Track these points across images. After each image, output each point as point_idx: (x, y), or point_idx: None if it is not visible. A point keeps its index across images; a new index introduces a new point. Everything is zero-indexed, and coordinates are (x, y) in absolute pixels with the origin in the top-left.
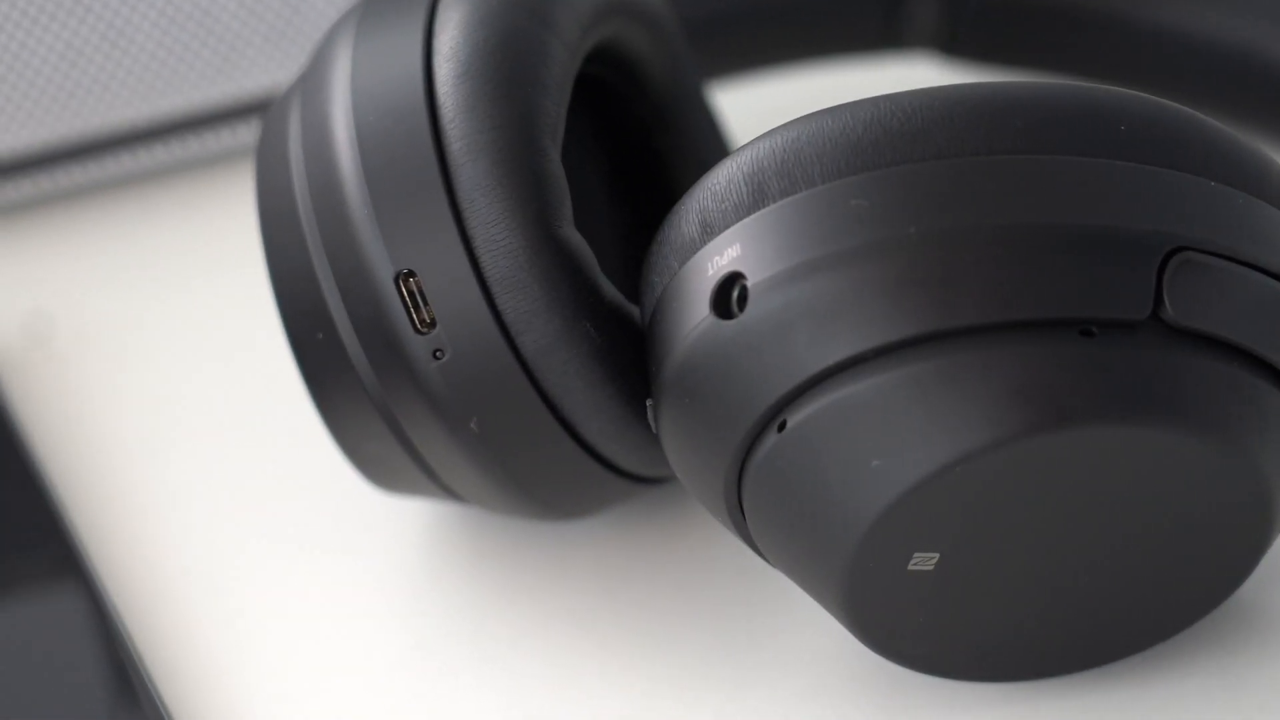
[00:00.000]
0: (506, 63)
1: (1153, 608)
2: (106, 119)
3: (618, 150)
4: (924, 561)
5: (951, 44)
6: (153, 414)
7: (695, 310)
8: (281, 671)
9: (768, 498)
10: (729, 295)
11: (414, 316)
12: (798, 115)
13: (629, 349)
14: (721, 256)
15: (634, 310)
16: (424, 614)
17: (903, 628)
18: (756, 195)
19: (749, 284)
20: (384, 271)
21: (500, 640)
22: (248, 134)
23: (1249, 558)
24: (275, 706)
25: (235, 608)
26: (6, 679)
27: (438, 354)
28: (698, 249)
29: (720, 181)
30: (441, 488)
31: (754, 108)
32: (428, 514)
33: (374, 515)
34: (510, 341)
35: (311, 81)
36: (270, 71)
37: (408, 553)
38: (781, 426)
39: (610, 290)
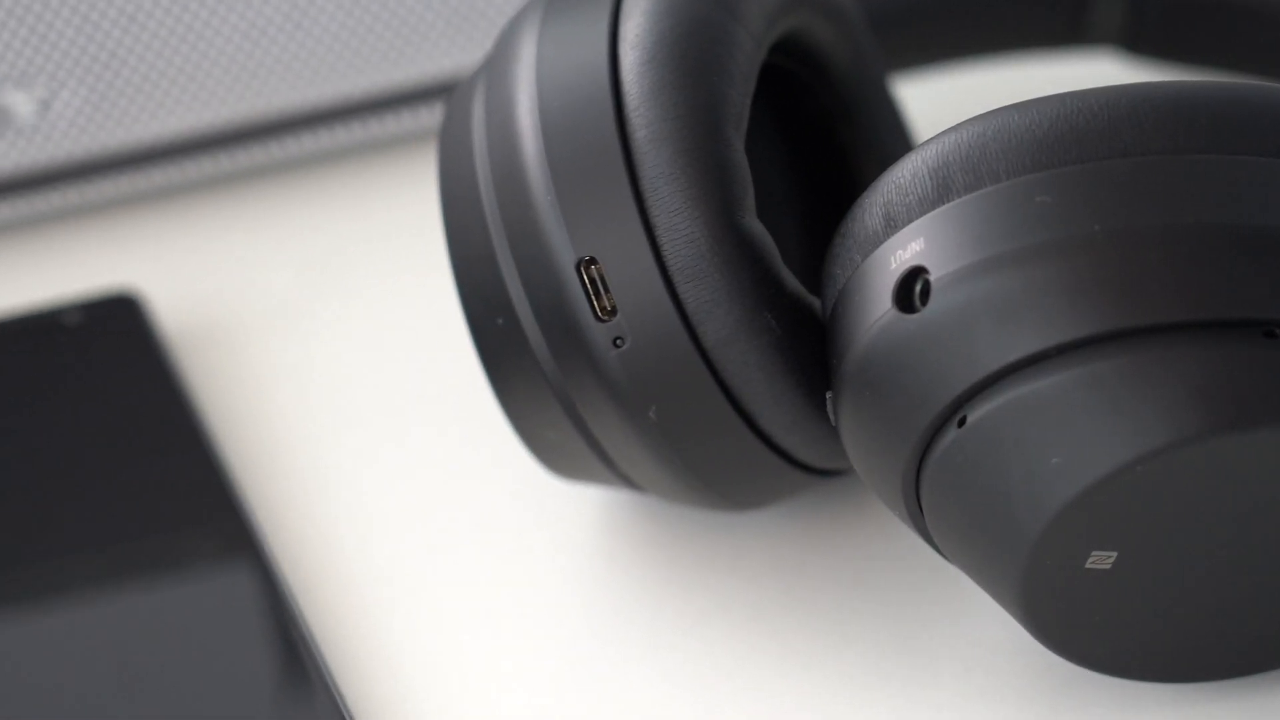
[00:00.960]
0: (692, 51)
1: None
2: (287, 100)
3: (800, 141)
4: (1101, 560)
5: (1135, 41)
6: (329, 396)
7: (877, 304)
8: (454, 656)
9: (946, 493)
10: (911, 289)
11: (595, 304)
12: (977, 110)
13: (809, 341)
14: (905, 250)
15: (814, 302)
16: (599, 602)
17: (1078, 626)
18: (941, 190)
19: (932, 278)
20: (566, 258)
21: (675, 630)
22: (427, 117)
23: None
24: (447, 690)
25: (409, 591)
26: (180, 656)
27: (618, 342)
28: (881, 242)
29: (905, 175)
30: (619, 476)
31: (932, 102)
32: (604, 502)
33: (550, 502)
34: (691, 331)
35: (496, 66)
36: (452, 55)
37: (583, 540)
38: (962, 422)
39: (791, 281)
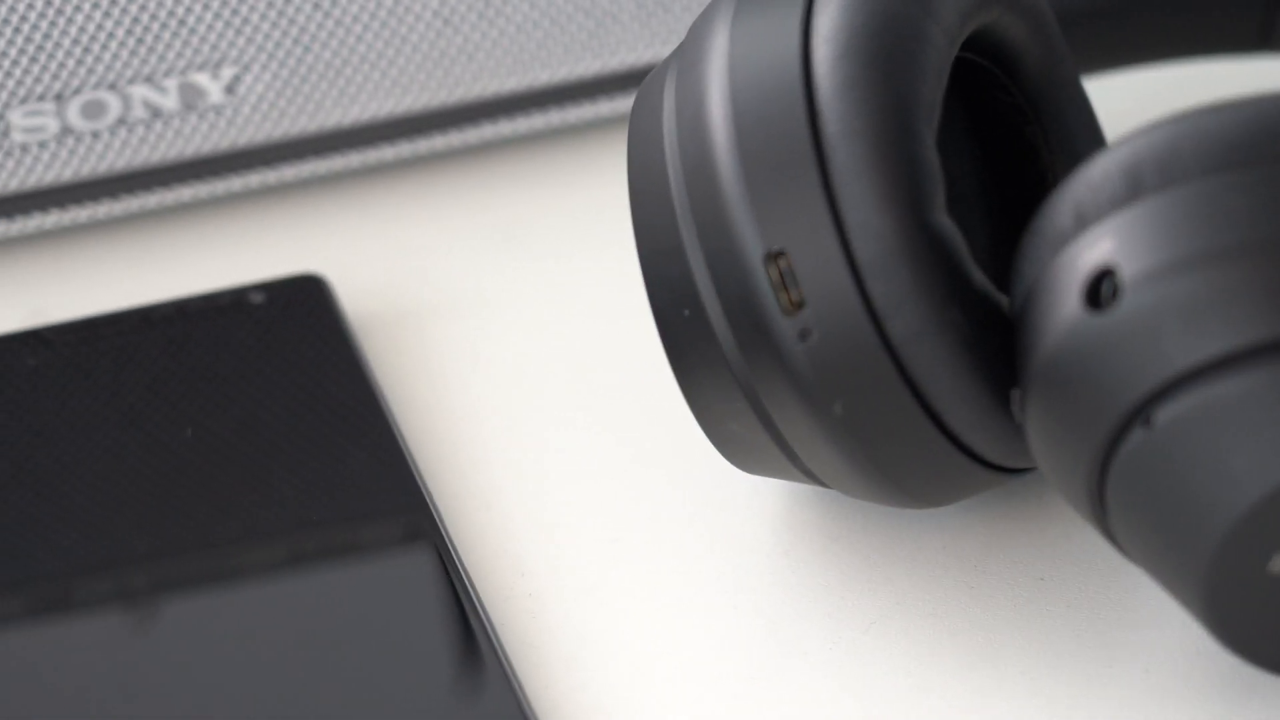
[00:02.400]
0: (886, 46)
1: None
2: (477, 88)
3: (989, 138)
4: None
5: None
6: (512, 384)
7: (1066, 302)
8: (632, 646)
9: (1131, 493)
10: (1101, 288)
11: (783, 297)
12: (1163, 110)
13: (996, 338)
14: (1094, 249)
15: (1002, 299)
16: (777, 596)
17: (1261, 629)
18: (1132, 189)
19: (1121, 277)
20: (754, 251)
21: (853, 625)
22: (615, 106)
23: None
24: (624, 681)
25: (587, 581)
26: (357, 638)
27: (805, 336)
28: (1070, 240)
29: (1096, 174)
30: (801, 470)
31: (1118, 101)
32: (786, 495)
33: (732, 494)
34: (878, 326)
35: (688, 57)
36: (642, 46)
37: (763, 534)
38: (1148, 422)
39: (980, 278)
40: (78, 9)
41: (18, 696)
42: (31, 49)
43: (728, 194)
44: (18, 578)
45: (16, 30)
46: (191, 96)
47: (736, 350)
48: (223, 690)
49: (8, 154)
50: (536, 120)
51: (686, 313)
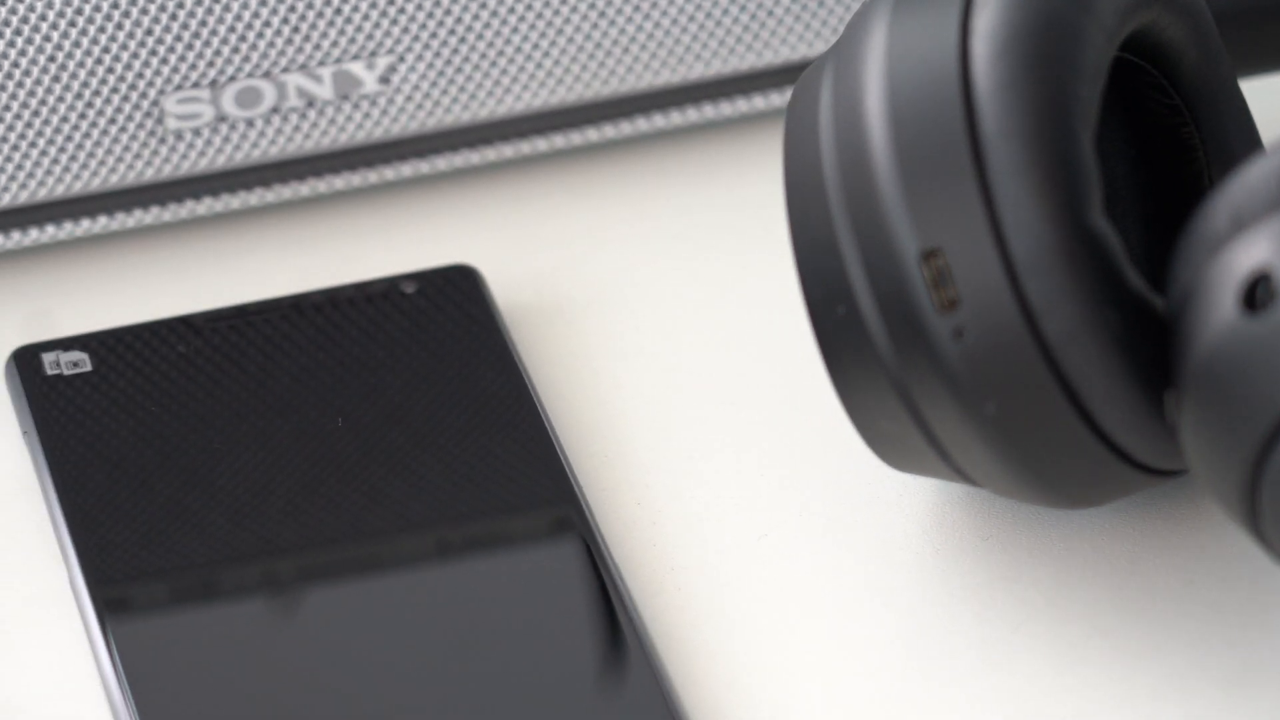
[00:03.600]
0: (1044, 46)
1: None
2: (630, 81)
3: (1145, 138)
4: None
5: None
6: (662, 378)
7: (1221, 305)
8: (780, 643)
9: None
10: (1257, 291)
11: (937, 295)
12: None
13: (1151, 340)
14: (1251, 252)
15: (1157, 301)
16: (927, 594)
17: None
18: None
19: (1278, 281)
20: (909, 248)
21: (1002, 625)
22: (766, 101)
23: None
24: (773, 678)
25: (736, 576)
26: (508, 633)
27: (959, 334)
28: (1227, 243)
29: (1253, 176)
30: (952, 469)
31: (1271, 102)
32: (936, 493)
33: (882, 492)
34: (1033, 326)
35: (845, 53)
36: (794, 41)
37: (913, 531)
38: None
39: (1135, 280)
40: None
41: (169, 685)
42: (187, 36)
43: (884, 191)
44: (166, 566)
45: (173, 17)
46: (346, 85)
47: (890, 348)
48: (371, 679)
49: (162, 141)
50: (691, 114)
51: (841, 310)
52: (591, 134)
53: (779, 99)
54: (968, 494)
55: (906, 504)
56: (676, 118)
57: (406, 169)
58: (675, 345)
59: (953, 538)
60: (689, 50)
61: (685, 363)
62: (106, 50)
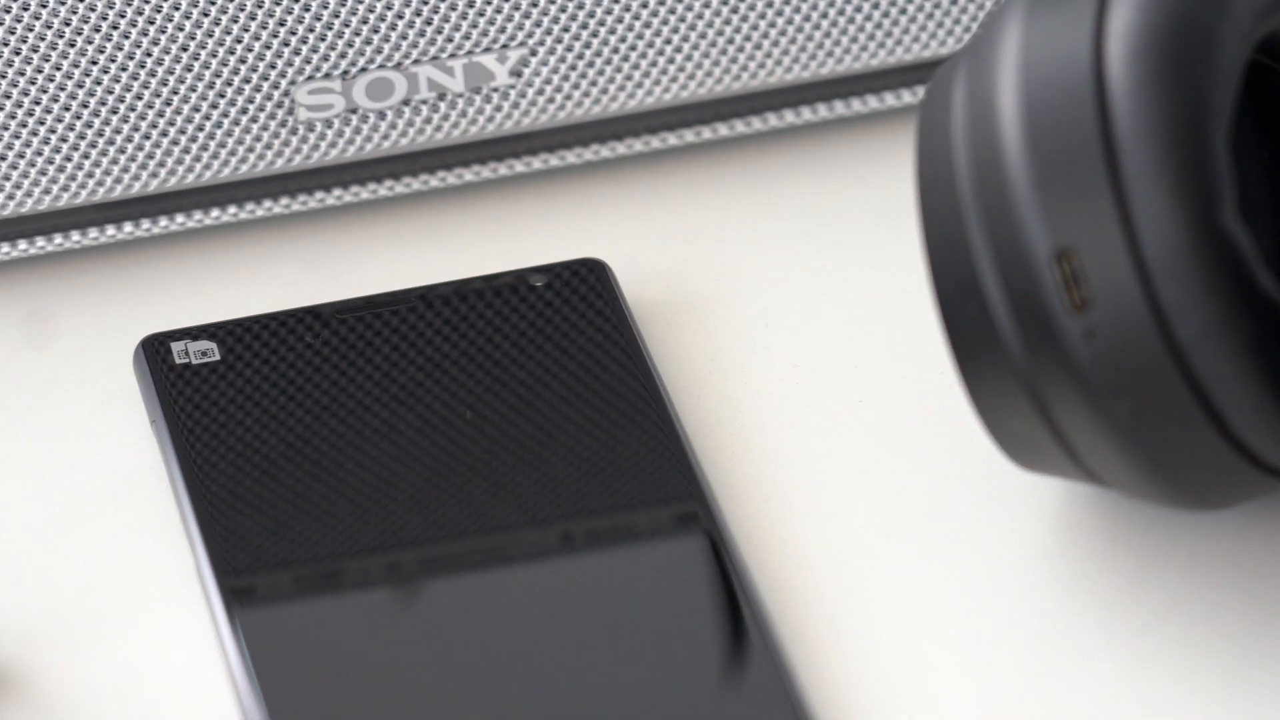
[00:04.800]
0: (1179, 47)
1: None
2: (761, 77)
3: (1277, 141)
4: None
5: None
6: (789, 373)
7: None
8: (907, 643)
9: None
10: None
11: (1069, 296)
12: None
13: None
14: None
15: None
16: (1054, 594)
17: None
18: None
19: None
20: (1041, 248)
21: (1128, 627)
22: (897, 98)
23: None
24: (899, 677)
25: (864, 575)
26: (634, 628)
27: (1090, 335)
28: None
29: None
30: (1081, 469)
31: None
32: (1064, 494)
33: (1010, 491)
34: (1164, 328)
35: (980, 52)
36: (925, 39)
37: (1041, 531)
38: None
39: (1268, 282)
40: None
41: (295, 674)
42: (319, 27)
43: (1016, 191)
44: (293, 556)
45: (305, 8)
46: (477, 78)
47: (1021, 347)
48: (495, 673)
49: (292, 131)
50: (822, 111)
51: (972, 308)
52: (722, 129)
53: (910, 96)
54: (1095, 495)
55: (1034, 504)
56: (808, 114)
57: (536, 162)
58: (803, 341)
59: (1080, 538)
60: (821, 47)
61: (813, 359)
62: (239, 41)
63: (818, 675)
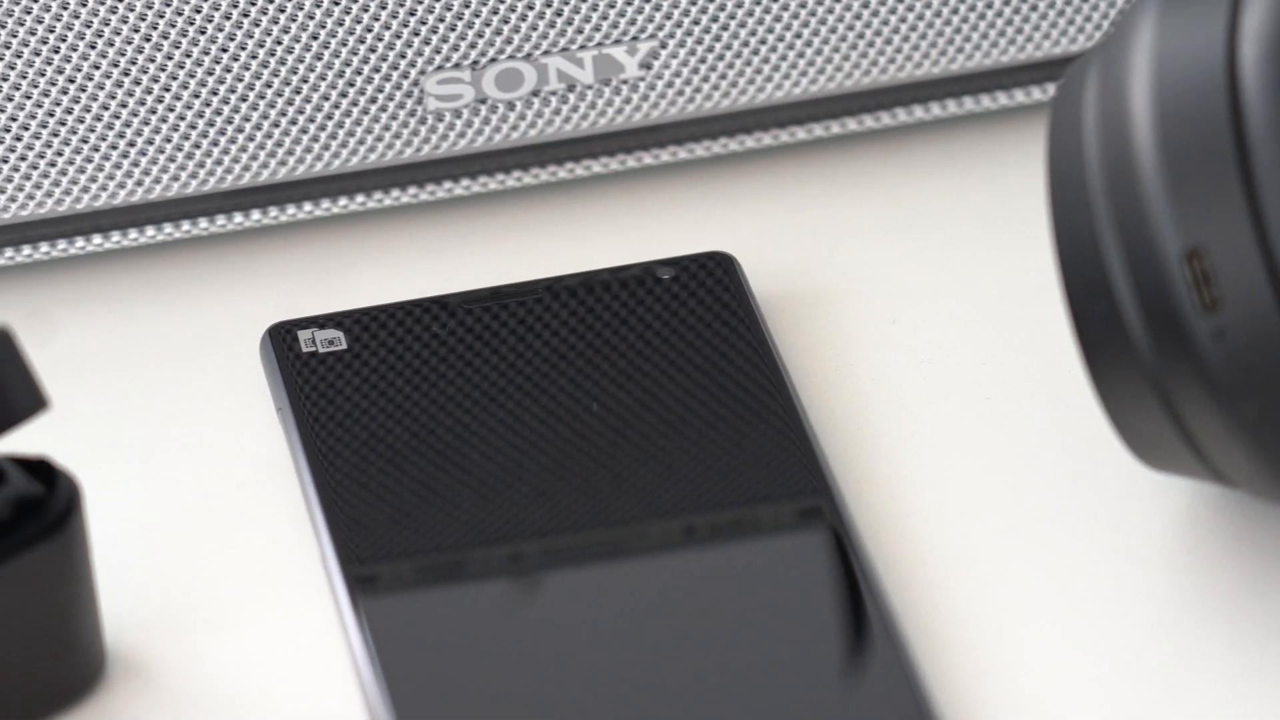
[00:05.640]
0: None
1: None
2: (891, 72)
3: None
4: None
5: None
6: (916, 369)
7: None
8: (1030, 641)
9: None
10: None
11: (1199, 295)
12: None
13: None
14: None
15: None
16: (1180, 595)
17: None
18: None
19: None
20: (1172, 247)
21: (1256, 629)
22: (1026, 95)
23: None
24: (1023, 676)
25: (988, 572)
26: (758, 622)
27: (1220, 335)
28: None
29: None
30: (1209, 469)
31: None
32: (1191, 494)
33: (1137, 491)
34: None
35: (1112, 49)
36: (1056, 36)
37: (1168, 531)
38: None
39: None
40: None
41: (418, 663)
42: (449, 17)
43: (1148, 190)
44: (417, 545)
45: None
46: (607, 70)
47: (1150, 347)
48: (617, 664)
49: (421, 121)
50: (952, 107)
51: (1101, 307)
52: (851, 124)
53: (1041, 94)
54: (1223, 495)
55: (1161, 504)
56: (937, 110)
57: (665, 155)
58: (931, 337)
59: (1206, 539)
60: (951, 43)
61: (940, 355)
62: (369, 30)
63: (942, 671)
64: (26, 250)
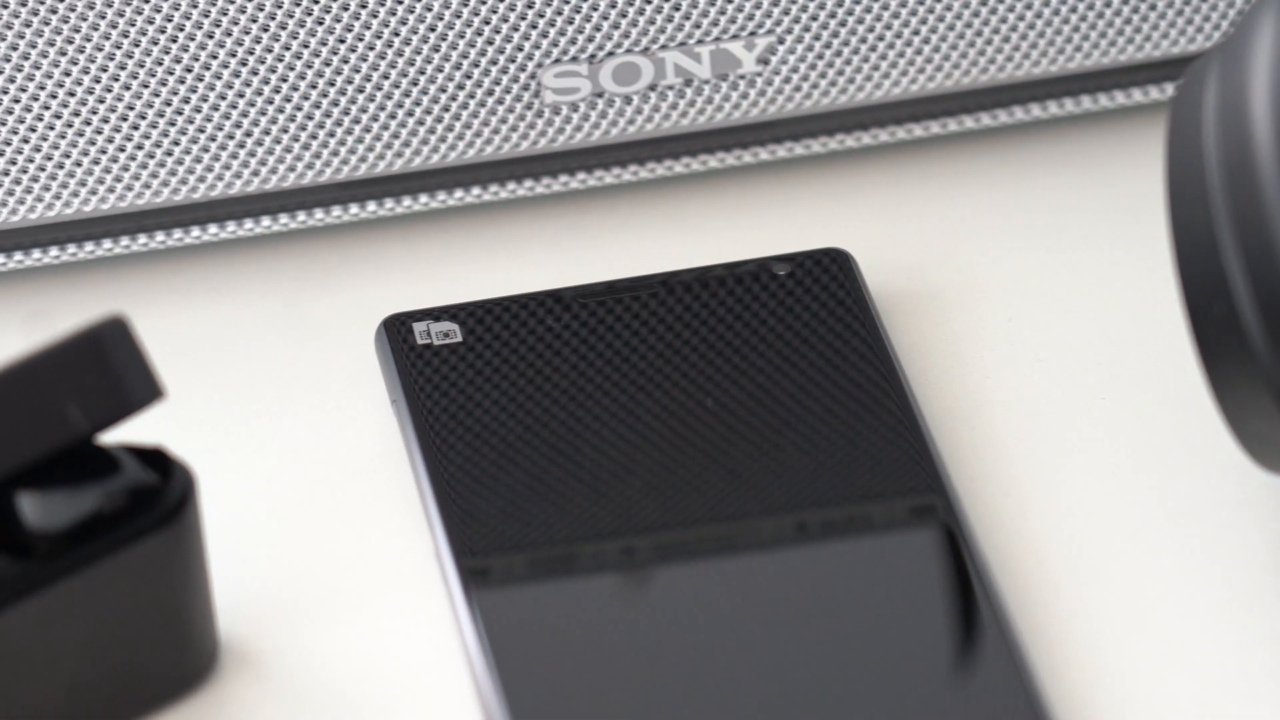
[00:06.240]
0: None
1: None
2: (1009, 70)
3: None
4: None
5: None
6: (1032, 368)
7: None
8: (1143, 639)
9: None
10: None
11: None
12: None
13: None
14: None
15: None
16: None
17: None
18: None
19: None
20: None
21: None
22: (1144, 94)
23: None
24: (1136, 674)
25: (1103, 573)
26: (871, 619)
27: None
28: None
29: None
30: None
31: None
32: None
33: (1253, 493)
34: None
35: (1233, 50)
36: (1175, 35)
37: None
38: None
39: None
40: None
41: (531, 656)
42: (567, 10)
43: (1268, 192)
44: (530, 539)
45: None
46: (724, 65)
47: (1268, 349)
48: (728, 659)
49: (538, 114)
50: (1070, 105)
51: (1219, 309)
52: (969, 122)
53: (1159, 93)
54: None
55: (1276, 505)
56: (1055, 108)
57: (781, 151)
58: (1047, 337)
59: None
60: (1070, 41)
61: (1056, 355)
62: (486, 22)
63: (1056, 671)
64: (142, 239)
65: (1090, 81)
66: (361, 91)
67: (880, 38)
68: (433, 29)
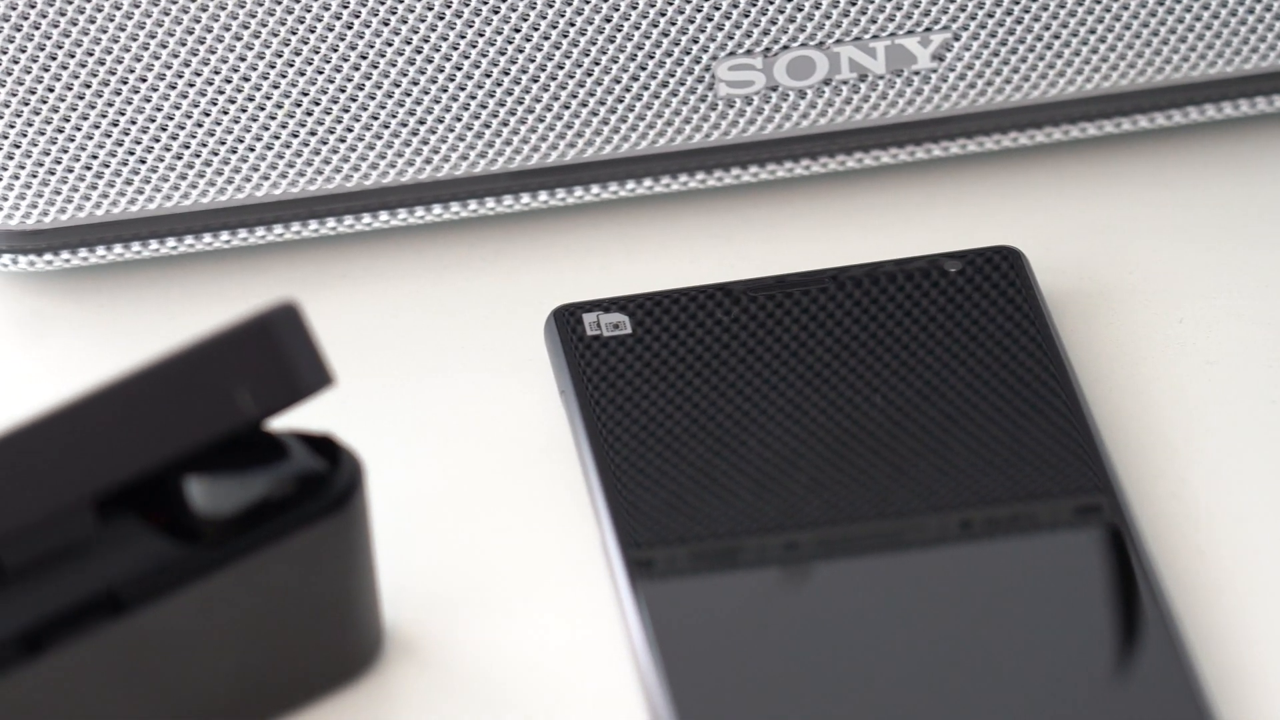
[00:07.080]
0: None
1: None
2: (1184, 70)
3: None
4: None
5: None
6: (1203, 370)
7: None
8: None
9: None
10: None
11: None
12: None
13: None
14: None
15: None
16: None
17: None
18: None
19: None
20: None
21: None
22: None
23: None
24: None
25: (1268, 569)
26: (1036, 618)
27: None
28: None
29: None
30: None
31: None
32: None
33: None
34: None
35: None
36: None
37: None
38: None
39: None
40: None
41: (696, 648)
42: (743, 3)
43: None
44: (695, 531)
45: None
46: (899, 61)
47: None
48: (890, 654)
49: (712, 107)
50: (1244, 107)
51: None
52: (1143, 121)
53: None
54: None
55: None
56: (1229, 109)
57: (954, 147)
58: (1217, 339)
59: None
60: (1246, 42)
61: (1226, 357)
62: (662, 14)
63: (1222, 671)
64: (314, 225)
65: (1264, 83)
66: (536, 81)
67: (1056, 36)
68: (608, 20)
